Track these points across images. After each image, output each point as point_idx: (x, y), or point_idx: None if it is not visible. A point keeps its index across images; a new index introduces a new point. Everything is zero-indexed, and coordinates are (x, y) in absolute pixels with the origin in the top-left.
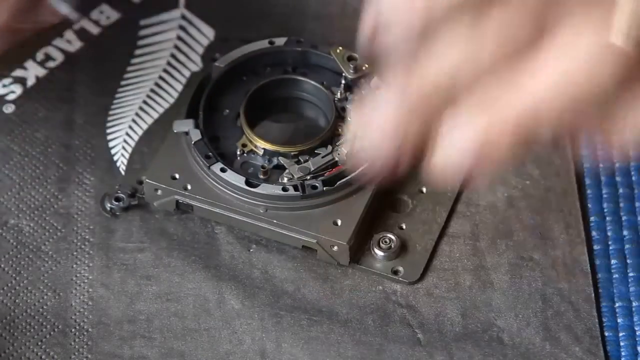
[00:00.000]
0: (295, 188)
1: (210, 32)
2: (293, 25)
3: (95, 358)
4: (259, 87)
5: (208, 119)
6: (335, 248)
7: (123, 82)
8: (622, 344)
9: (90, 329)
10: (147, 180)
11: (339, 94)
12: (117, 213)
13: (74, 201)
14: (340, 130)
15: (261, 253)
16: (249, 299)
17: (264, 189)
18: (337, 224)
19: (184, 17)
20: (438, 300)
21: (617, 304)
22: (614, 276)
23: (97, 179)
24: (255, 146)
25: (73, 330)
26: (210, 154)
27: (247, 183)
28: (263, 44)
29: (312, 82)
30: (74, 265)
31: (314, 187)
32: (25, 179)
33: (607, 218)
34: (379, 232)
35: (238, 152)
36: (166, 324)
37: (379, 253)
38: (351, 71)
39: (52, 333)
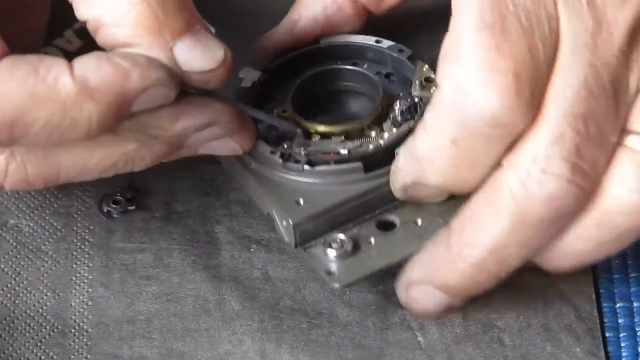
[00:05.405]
0: (281, 155)
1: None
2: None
3: (94, 358)
4: (305, 80)
5: None
6: (285, 224)
7: None
8: (623, 344)
9: (89, 329)
10: None
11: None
12: (115, 216)
13: (74, 201)
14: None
15: (261, 253)
16: (249, 300)
17: (259, 145)
18: (298, 203)
19: None
20: None
21: (618, 305)
22: (614, 276)
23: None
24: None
25: (72, 330)
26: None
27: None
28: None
29: (358, 69)
30: (74, 266)
31: (297, 161)
32: None
33: None
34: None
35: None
36: (166, 324)
37: (329, 251)
38: (418, 88)
39: (51, 333)
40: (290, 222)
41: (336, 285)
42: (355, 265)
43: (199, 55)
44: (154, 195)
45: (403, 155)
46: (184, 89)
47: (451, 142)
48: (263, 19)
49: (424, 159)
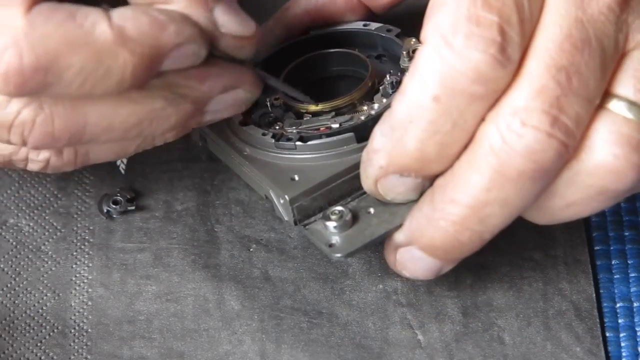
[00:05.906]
0: (273, 136)
1: None
2: None
3: (94, 358)
4: (294, 67)
5: None
6: (282, 201)
7: None
8: (623, 344)
9: (89, 330)
10: None
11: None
12: (114, 216)
13: (74, 201)
14: (360, 104)
15: (261, 252)
16: (249, 300)
17: (250, 129)
18: (293, 180)
19: None
20: (439, 299)
21: (618, 304)
22: (615, 276)
23: (97, 178)
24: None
25: (72, 330)
26: None
27: (242, 122)
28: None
29: (344, 50)
30: (74, 266)
31: (289, 139)
32: (24, 178)
33: (608, 218)
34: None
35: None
36: (166, 324)
37: (328, 223)
38: (406, 59)
39: (51, 334)
40: (287, 198)
41: (338, 255)
42: (355, 234)
43: (237, 21)
44: (154, 195)
45: (379, 130)
46: (212, 52)
47: (433, 99)
48: (262, 19)
49: (402, 123)
